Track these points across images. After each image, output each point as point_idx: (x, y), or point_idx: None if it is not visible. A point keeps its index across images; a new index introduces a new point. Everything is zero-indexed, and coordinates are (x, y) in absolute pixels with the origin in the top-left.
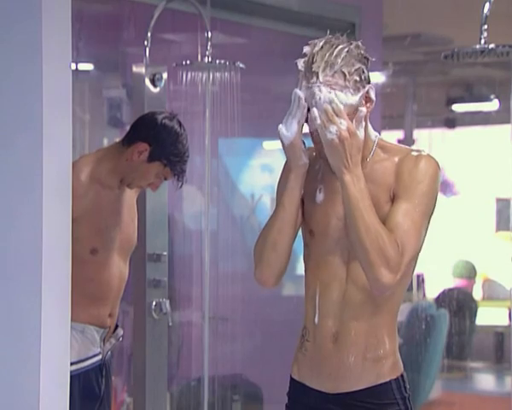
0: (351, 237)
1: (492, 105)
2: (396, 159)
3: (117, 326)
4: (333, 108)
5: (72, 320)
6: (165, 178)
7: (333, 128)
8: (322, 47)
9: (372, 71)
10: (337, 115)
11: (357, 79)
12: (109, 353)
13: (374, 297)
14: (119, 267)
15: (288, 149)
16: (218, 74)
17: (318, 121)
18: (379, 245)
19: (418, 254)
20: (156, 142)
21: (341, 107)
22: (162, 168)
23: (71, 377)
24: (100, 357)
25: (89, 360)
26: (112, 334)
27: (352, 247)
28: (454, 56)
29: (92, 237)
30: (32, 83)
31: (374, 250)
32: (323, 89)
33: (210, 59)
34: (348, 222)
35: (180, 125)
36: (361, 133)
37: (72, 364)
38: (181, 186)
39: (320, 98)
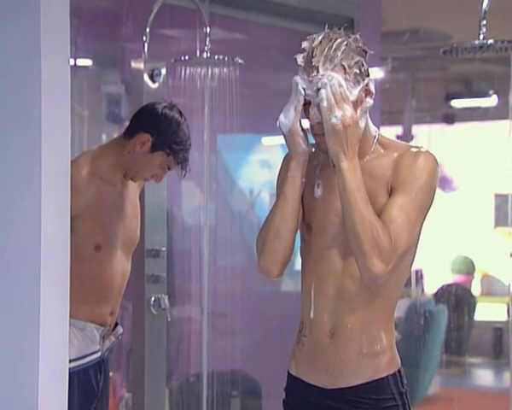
0: (345, 226)
1: (491, 101)
2: (395, 154)
3: (116, 324)
4: (341, 93)
5: (72, 317)
6: (169, 168)
7: (338, 113)
8: (320, 41)
9: (371, 66)
10: (344, 101)
11: (357, 71)
12: (108, 350)
13: (370, 292)
14: (121, 264)
15: (287, 136)
16: (216, 70)
17: (325, 104)
18: (372, 235)
19: (414, 249)
20: (158, 131)
21: (349, 94)
22: (165, 158)
23: (69, 373)
24: (99, 354)
25: (88, 357)
26: (111, 332)
27: (347, 237)
28: (453, 52)
29: (96, 233)
30: (30, 79)
31: (367, 239)
32: (333, 74)
33: (209, 54)
34: (343, 210)
35: (180, 113)
36: (362, 124)
37: (71, 361)
38: (185, 175)
39: (332, 78)
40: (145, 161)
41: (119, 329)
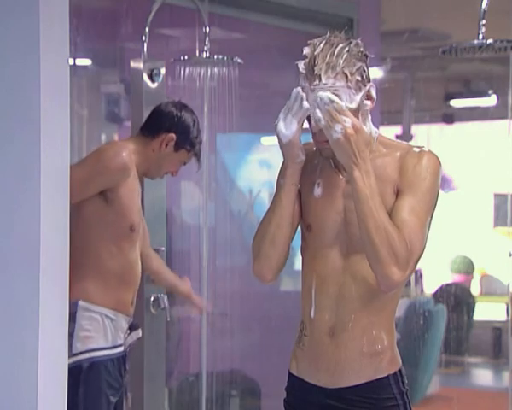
0: (361, 234)
1: (490, 100)
2: (398, 154)
3: (138, 326)
4: (334, 108)
5: (103, 306)
6: (185, 163)
7: (337, 127)
8: (322, 48)
9: (370, 66)
10: (340, 113)
11: (359, 78)
12: (129, 347)
13: (371, 291)
14: (139, 255)
15: (285, 146)
16: (215, 69)
17: (323, 122)
18: (389, 242)
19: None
20: (180, 131)
21: (343, 104)
22: (187, 154)
23: (103, 361)
24: (123, 348)
25: (116, 348)
26: (134, 328)
27: (360, 242)
28: (452, 52)
29: (131, 212)
30: (30, 78)
31: (383, 247)
32: (321, 93)
33: (208, 54)
34: (358, 218)
35: (192, 111)
36: (367, 128)
37: (104, 349)
38: (200, 167)
39: (321, 99)
40: (170, 159)
41: (140, 332)
